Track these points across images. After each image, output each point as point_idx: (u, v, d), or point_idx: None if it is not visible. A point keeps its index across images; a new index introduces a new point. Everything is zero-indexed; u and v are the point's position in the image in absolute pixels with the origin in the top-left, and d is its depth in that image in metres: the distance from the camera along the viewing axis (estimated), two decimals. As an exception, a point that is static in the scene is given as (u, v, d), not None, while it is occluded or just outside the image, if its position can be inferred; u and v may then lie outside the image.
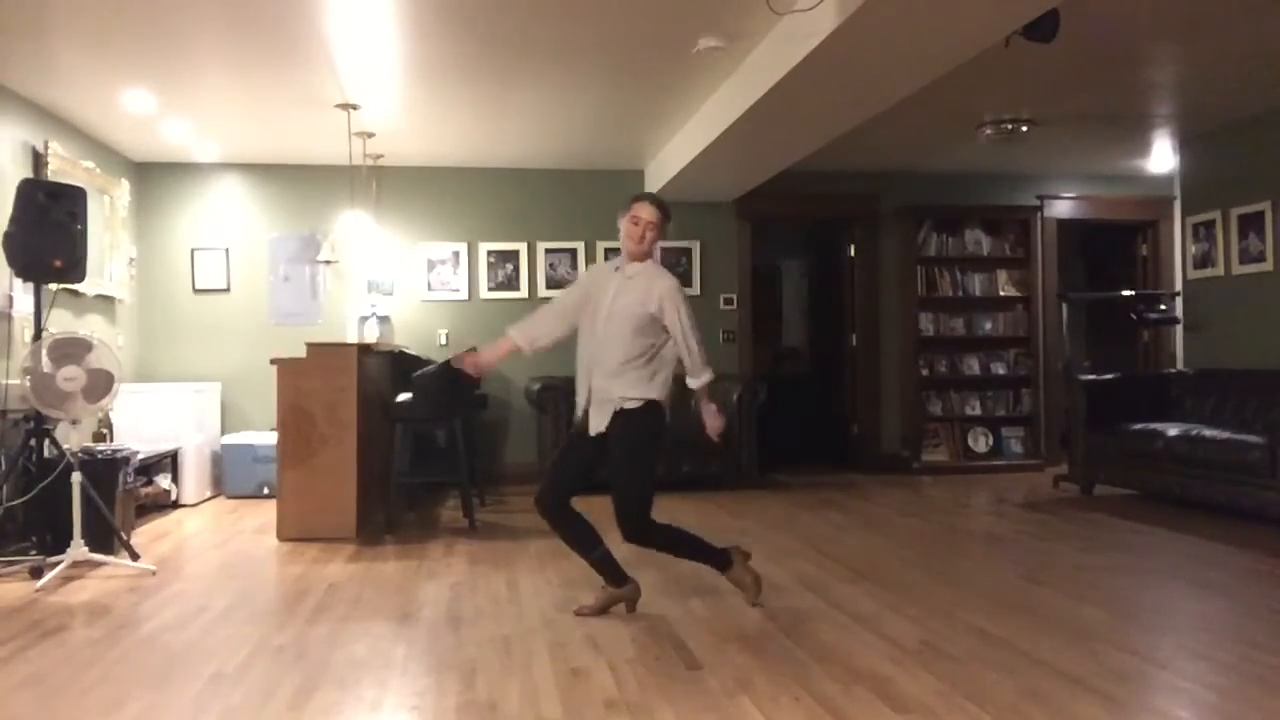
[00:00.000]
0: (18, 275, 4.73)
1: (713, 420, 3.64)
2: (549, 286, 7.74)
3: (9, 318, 5.25)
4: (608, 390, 3.53)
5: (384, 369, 6.16)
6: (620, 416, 3.51)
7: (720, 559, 3.72)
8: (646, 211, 3.60)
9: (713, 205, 7.64)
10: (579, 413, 3.65)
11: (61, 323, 5.60)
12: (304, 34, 4.61)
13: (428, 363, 6.14)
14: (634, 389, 3.52)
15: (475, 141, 6.86)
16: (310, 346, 5.43)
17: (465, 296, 7.66)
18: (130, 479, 5.16)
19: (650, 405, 3.53)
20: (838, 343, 8.68)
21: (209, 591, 4.13)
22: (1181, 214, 7.42)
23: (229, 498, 6.74)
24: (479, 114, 6.13)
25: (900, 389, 8.14)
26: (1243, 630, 3.42)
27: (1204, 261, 7.00)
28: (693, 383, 3.62)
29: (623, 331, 3.53)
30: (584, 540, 3.68)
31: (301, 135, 6.54)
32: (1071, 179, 8.35)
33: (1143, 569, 4.46)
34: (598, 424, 3.54)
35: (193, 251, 7.36)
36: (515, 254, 7.74)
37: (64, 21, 4.46)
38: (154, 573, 4.42)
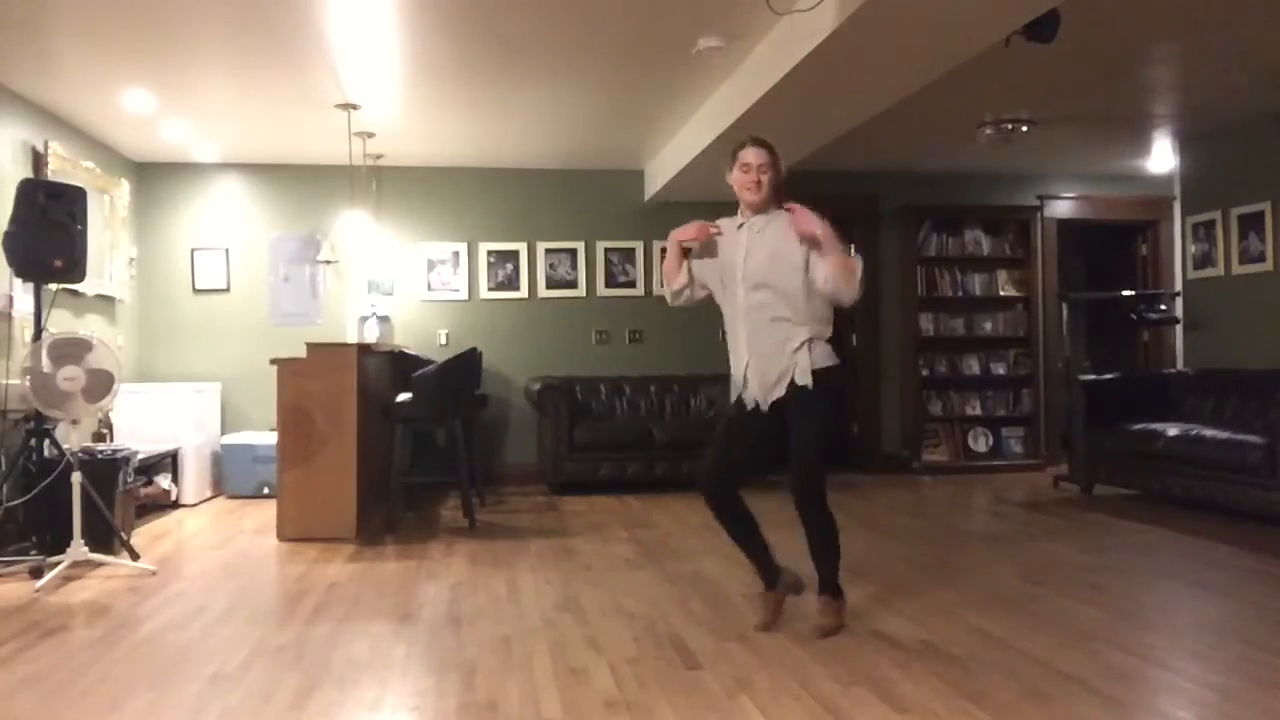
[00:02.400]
0: (18, 275, 4.73)
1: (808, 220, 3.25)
2: (549, 286, 7.74)
3: (9, 318, 5.25)
4: (779, 359, 3.23)
5: (384, 369, 6.16)
6: (802, 386, 3.22)
7: (831, 584, 3.42)
8: (754, 155, 3.28)
9: (713, 205, 7.61)
10: (738, 389, 3.35)
11: (61, 323, 5.60)
12: (304, 34, 4.61)
13: (428, 363, 6.14)
14: (818, 349, 3.27)
15: (475, 141, 6.86)
16: (310, 346, 5.43)
17: (465, 296, 7.66)
18: (130, 479, 5.16)
19: (833, 370, 3.29)
20: (837, 342, 8.66)
21: (209, 591, 4.13)
22: (1181, 214, 7.42)
23: (229, 498, 6.74)
24: (479, 114, 6.13)
25: (900, 389, 8.14)
26: (1243, 630, 3.42)
27: (1204, 261, 7.00)
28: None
29: (781, 289, 3.22)
30: (751, 532, 3.46)
31: (301, 135, 6.54)
32: (1071, 179, 8.35)
33: (1143, 569, 4.46)
34: (766, 396, 3.27)
35: (193, 251, 7.36)
36: (515, 254, 7.74)
37: (64, 21, 4.46)
38: (154, 573, 4.42)
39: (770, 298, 3.23)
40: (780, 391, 3.24)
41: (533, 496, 6.87)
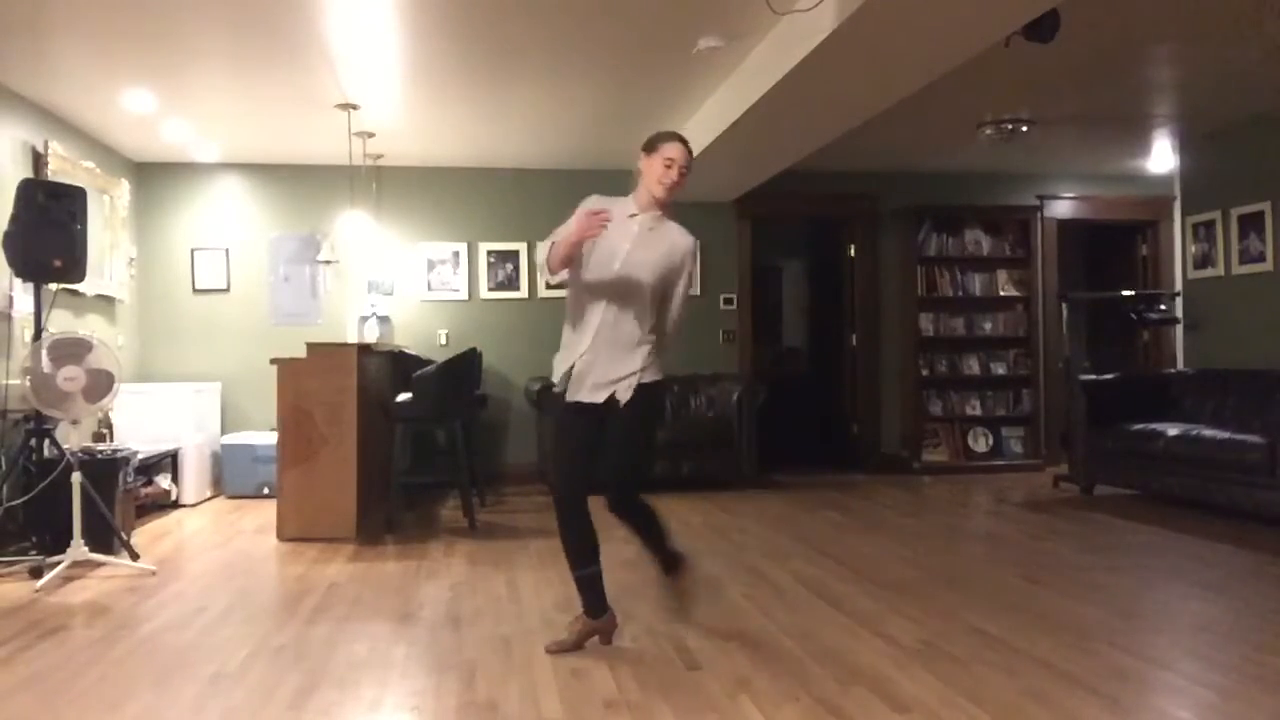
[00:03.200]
0: (18, 275, 4.73)
1: None
2: (549, 287, 7.73)
3: (9, 318, 5.25)
4: (627, 361, 3.10)
5: (384, 369, 6.16)
6: (643, 390, 3.11)
7: (673, 558, 3.34)
8: (680, 153, 3.11)
9: (713, 205, 7.64)
10: (565, 372, 3.16)
11: (61, 323, 5.60)
12: (304, 34, 4.61)
13: (428, 363, 6.13)
14: (655, 362, 3.17)
15: (475, 141, 6.86)
16: (310, 346, 5.43)
17: (465, 296, 7.66)
18: (130, 479, 5.17)
19: (663, 383, 3.22)
20: (838, 343, 8.68)
21: (209, 591, 4.13)
22: (1181, 214, 7.42)
23: (229, 498, 6.74)
24: (479, 114, 6.13)
25: (900, 389, 8.14)
26: (1243, 630, 3.42)
27: (1204, 261, 7.00)
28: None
29: (645, 292, 3.10)
30: (586, 550, 3.22)
31: (301, 135, 6.54)
32: (1071, 179, 8.35)
33: (1143, 569, 4.46)
34: (596, 392, 3.10)
35: (193, 251, 7.36)
36: (515, 254, 7.74)
37: (64, 21, 4.46)
38: (154, 573, 4.42)
39: (636, 298, 3.09)
40: (624, 393, 3.09)
41: (533, 496, 6.87)
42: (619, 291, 3.09)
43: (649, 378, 3.14)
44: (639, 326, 3.11)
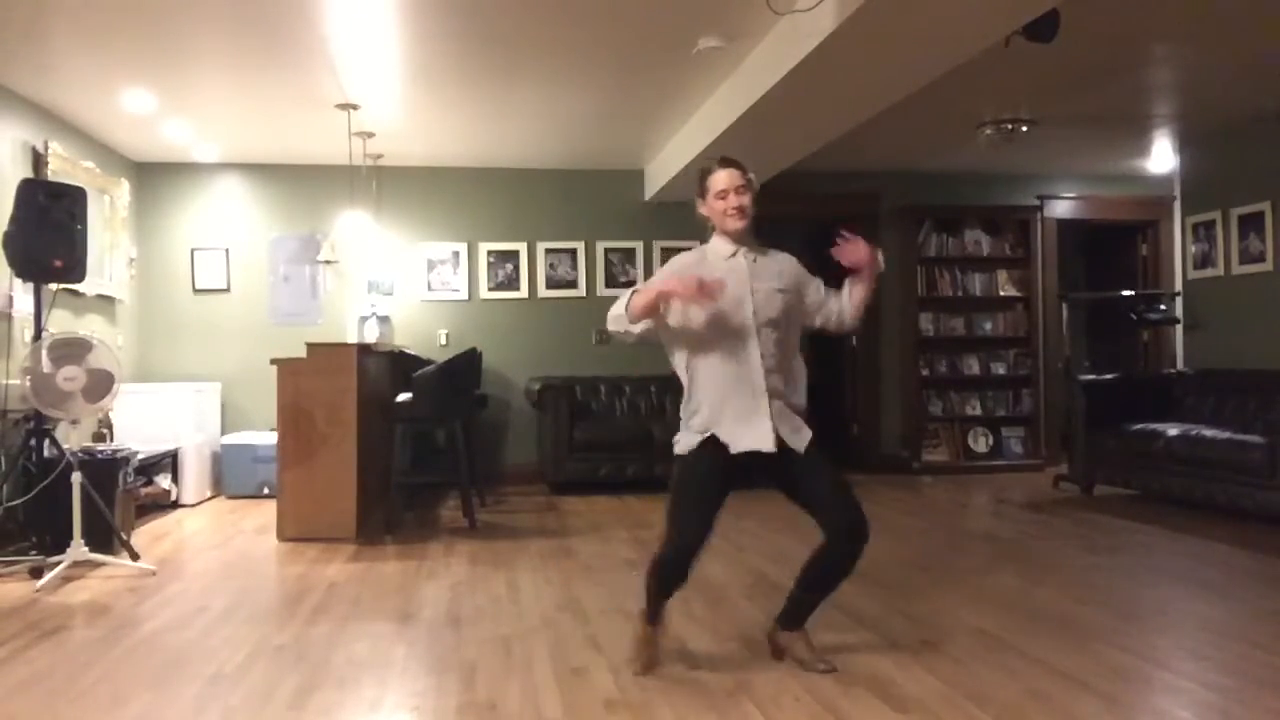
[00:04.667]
0: (18, 275, 4.73)
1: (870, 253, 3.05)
2: (549, 286, 7.74)
3: (9, 318, 5.25)
4: (789, 398, 2.95)
5: (384, 369, 6.16)
6: (804, 427, 2.97)
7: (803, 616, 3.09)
8: (728, 178, 2.93)
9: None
10: (708, 434, 2.89)
11: (61, 323, 5.60)
12: (304, 34, 4.61)
13: (428, 363, 6.14)
14: (804, 392, 3.02)
15: (475, 141, 6.86)
16: (310, 346, 5.43)
17: (465, 296, 7.66)
18: (130, 479, 5.16)
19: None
20: (838, 343, 8.67)
21: (209, 591, 4.13)
22: (1181, 214, 7.42)
23: (229, 498, 6.74)
24: (479, 114, 6.13)
25: (900, 389, 8.14)
26: (1243, 630, 3.42)
27: (1204, 261, 7.00)
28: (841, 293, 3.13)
29: (788, 327, 2.97)
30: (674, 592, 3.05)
31: (301, 135, 6.54)
32: (1071, 179, 8.35)
33: (1143, 569, 4.46)
34: (767, 440, 2.87)
35: (193, 251, 7.36)
36: (515, 254, 7.74)
37: (64, 21, 4.46)
38: (154, 573, 4.42)
39: (779, 338, 2.92)
40: (800, 445, 2.93)
41: (533, 496, 6.87)
42: (768, 342, 2.90)
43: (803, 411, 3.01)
44: (792, 357, 2.99)
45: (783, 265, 3.03)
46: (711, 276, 2.82)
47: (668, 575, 2.96)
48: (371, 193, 7.32)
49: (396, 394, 5.79)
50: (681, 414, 3.00)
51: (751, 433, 2.86)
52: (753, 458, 2.87)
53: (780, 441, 2.88)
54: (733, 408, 2.87)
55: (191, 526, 5.80)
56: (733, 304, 2.88)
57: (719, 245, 2.99)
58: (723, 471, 2.90)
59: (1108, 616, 3.60)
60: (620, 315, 2.87)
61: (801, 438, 2.93)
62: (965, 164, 7.72)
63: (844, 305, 3.09)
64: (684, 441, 2.95)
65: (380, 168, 7.36)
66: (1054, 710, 2.63)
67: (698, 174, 3.01)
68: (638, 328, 2.86)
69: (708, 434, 2.89)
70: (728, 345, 2.89)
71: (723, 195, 2.93)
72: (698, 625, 3.49)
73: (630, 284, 7.82)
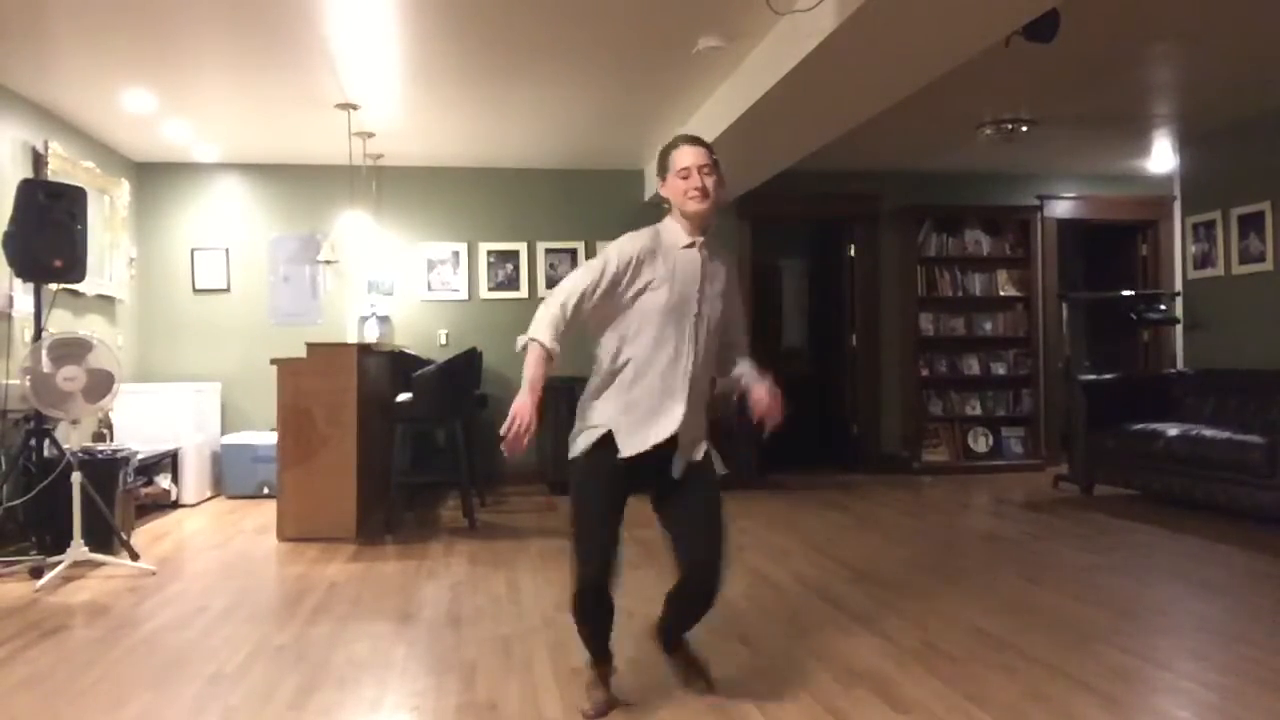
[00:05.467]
0: (18, 275, 4.73)
1: (774, 400, 2.76)
2: (549, 286, 7.73)
3: (9, 318, 5.25)
4: (699, 416, 2.73)
5: (384, 369, 6.16)
6: (709, 450, 2.75)
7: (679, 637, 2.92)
8: (692, 155, 2.64)
9: (713, 205, 7.64)
10: (609, 434, 2.66)
11: (61, 323, 5.60)
12: (304, 34, 4.61)
13: (428, 363, 6.14)
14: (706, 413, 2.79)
15: (475, 141, 6.86)
16: (310, 346, 5.44)
17: (465, 296, 7.66)
18: (130, 479, 5.16)
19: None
20: (838, 343, 8.68)
21: (209, 591, 4.13)
22: (1181, 214, 7.42)
23: (229, 498, 6.74)
24: (479, 114, 6.13)
25: (900, 389, 8.14)
26: (1243, 630, 3.42)
27: (1204, 261, 7.00)
28: (744, 366, 2.85)
29: (717, 334, 2.74)
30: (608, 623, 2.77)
31: (301, 135, 6.54)
32: (1071, 179, 8.35)
33: (1143, 569, 4.46)
34: (687, 457, 2.69)
35: (193, 251, 7.36)
36: (515, 254, 7.74)
37: (64, 21, 4.46)
38: (154, 573, 4.42)
39: (709, 345, 2.70)
40: (698, 455, 2.71)
41: (533, 496, 6.87)
42: (706, 348, 2.68)
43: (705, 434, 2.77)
44: (708, 373, 2.75)
45: (726, 268, 2.77)
46: (671, 267, 2.63)
47: (588, 608, 2.65)
48: (371, 193, 7.32)
49: (396, 394, 5.79)
50: (580, 407, 2.78)
51: (651, 430, 2.61)
52: (639, 461, 2.60)
53: (673, 442, 2.63)
54: (643, 407, 2.63)
55: (191, 526, 5.81)
56: (678, 301, 2.63)
57: (675, 231, 2.69)
58: (621, 476, 2.63)
59: (1108, 616, 3.60)
60: (522, 340, 2.79)
61: (698, 449, 2.70)
62: (965, 164, 7.72)
63: (739, 372, 2.84)
64: (580, 441, 2.69)
65: (380, 168, 7.36)
66: (1054, 710, 2.63)
67: (660, 150, 2.73)
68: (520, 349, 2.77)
69: (604, 431, 2.64)
70: (660, 343, 2.63)
71: (685, 174, 2.63)
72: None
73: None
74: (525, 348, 2.73)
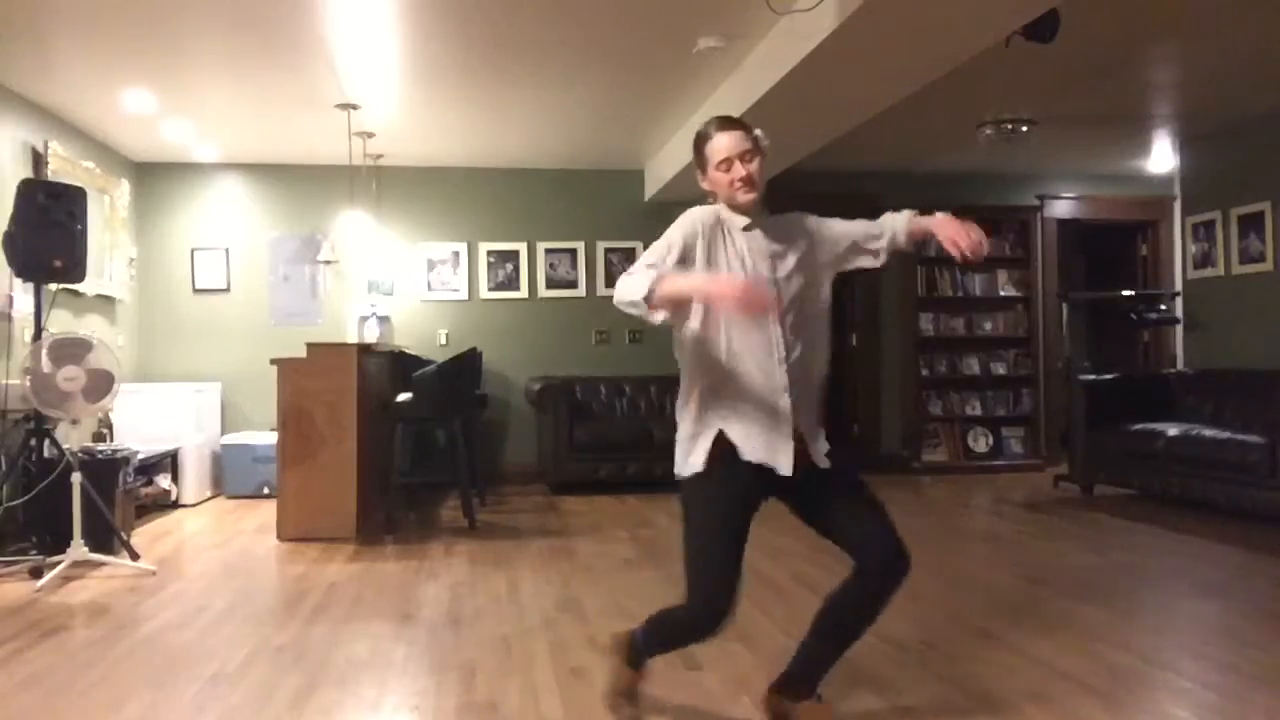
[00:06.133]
0: (18, 275, 4.73)
1: (962, 226, 2.58)
2: (549, 286, 7.74)
3: (9, 318, 5.25)
4: (816, 406, 2.42)
5: (384, 369, 6.16)
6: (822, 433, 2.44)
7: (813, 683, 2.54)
8: (729, 142, 2.36)
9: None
10: (727, 445, 2.33)
11: (61, 323, 5.60)
12: (304, 34, 4.61)
13: (428, 363, 6.14)
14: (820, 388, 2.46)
15: (475, 141, 6.87)
16: (310, 346, 5.44)
17: (465, 296, 7.66)
18: (130, 479, 5.17)
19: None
20: (838, 343, 8.64)
21: (209, 591, 4.13)
22: (1181, 214, 7.42)
23: (229, 498, 6.74)
24: (479, 114, 6.13)
25: (900, 389, 8.14)
26: (1243, 630, 3.42)
27: (1204, 261, 7.00)
28: (894, 219, 2.73)
29: (811, 313, 2.43)
30: None
31: (301, 135, 6.54)
32: (1071, 179, 8.35)
33: (1143, 569, 4.46)
34: (786, 458, 2.33)
35: (193, 251, 7.36)
36: (515, 254, 7.74)
37: (64, 21, 4.46)
38: (154, 573, 4.42)
39: (796, 324, 2.38)
40: (822, 458, 2.40)
41: (533, 496, 6.87)
42: (793, 335, 2.36)
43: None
44: (822, 362, 2.44)
45: (795, 231, 2.49)
46: (730, 251, 2.36)
47: (686, 638, 2.50)
48: (371, 193, 7.32)
49: (396, 394, 5.79)
50: (679, 417, 2.45)
51: (769, 445, 2.32)
52: (766, 472, 2.33)
53: (805, 455, 2.35)
54: (748, 409, 2.33)
55: (191, 526, 5.80)
56: (758, 284, 2.29)
57: (731, 215, 2.42)
58: (744, 487, 2.35)
59: (1108, 616, 3.60)
60: (637, 301, 2.19)
61: (822, 446, 2.41)
62: (965, 164, 7.72)
63: (898, 226, 2.65)
64: (693, 455, 2.37)
65: (380, 168, 7.36)
66: (1054, 710, 2.63)
67: (694, 140, 2.45)
68: (657, 317, 2.22)
69: (716, 433, 2.34)
70: (744, 335, 2.33)
71: (726, 165, 2.36)
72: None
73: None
74: (650, 309, 2.19)
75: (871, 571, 2.35)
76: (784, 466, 2.31)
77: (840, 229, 2.60)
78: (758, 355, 2.32)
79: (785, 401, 2.32)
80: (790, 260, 2.43)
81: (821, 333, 2.44)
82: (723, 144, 2.37)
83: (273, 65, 5.09)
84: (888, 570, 2.33)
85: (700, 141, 2.43)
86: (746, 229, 2.41)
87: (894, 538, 2.34)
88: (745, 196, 2.38)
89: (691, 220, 2.38)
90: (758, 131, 2.43)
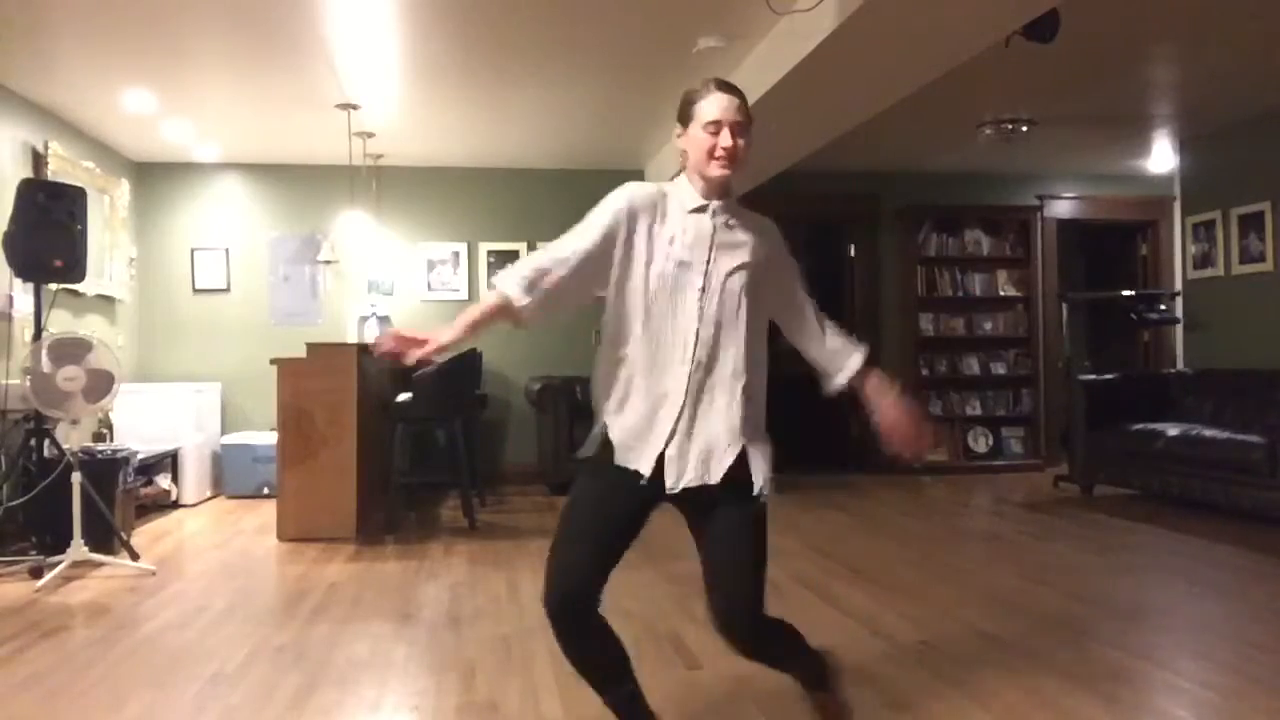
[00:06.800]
0: (18, 275, 4.74)
1: (912, 420, 2.41)
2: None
3: (9, 318, 5.25)
4: (727, 418, 2.12)
5: (384, 369, 6.16)
6: (751, 464, 2.14)
7: (820, 670, 2.38)
8: (726, 106, 2.11)
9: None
10: (609, 437, 2.15)
11: (61, 323, 5.60)
12: (304, 34, 4.61)
13: (428, 363, 6.13)
14: (762, 418, 2.21)
15: (475, 141, 6.87)
16: (310, 346, 5.44)
17: (465, 296, 7.66)
18: (130, 479, 5.17)
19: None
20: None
21: (209, 591, 4.13)
22: (1181, 214, 7.42)
23: (229, 498, 6.74)
24: (479, 114, 6.13)
25: (900, 389, 8.12)
26: (1243, 630, 3.42)
27: (1204, 261, 7.00)
28: (855, 363, 2.40)
29: (747, 318, 2.15)
30: (615, 665, 2.31)
31: (301, 135, 6.54)
32: (1071, 179, 8.35)
33: (1143, 569, 4.46)
34: (696, 473, 2.10)
35: (193, 251, 7.36)
36: (515, 254, 7.73)
37: (64, 21, 4.46)
38: (154, 573, 4.42)
39: (743, 324, 2.14)
40: (716, 475, 2.11)
41: (533, 496, 6.87)
42: (708, 334, 2.11)
43: (762, 447, 2.18)
44: (746, 361, 2.15)
45: (756, 239, 2.22)
46: (658, 233, 2.16)
47: (559, 640, 2.24)
48: (371, 193, 7.32)
49: (396, 394, 5.79)
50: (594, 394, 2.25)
51: (636, 449, 2.12)
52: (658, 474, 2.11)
53: (662, 470, 2.09)
54: (636, 406, 2.13)
55: (191, 526, 5.80)
56: (676, 270, 2.12)
57: (686, 191, 2.19)
58: (625, 487, 2.12)
59: (1108, 616, 3.60)
60: (519, 282, 2.28)
61: (717, 466, 2.11)
62: (965, 164, 7.71)
63: (844, 368, 2.39)
64: (590, 441, 2.22)
65: (380, 168, 7.36)
66: (1054, 710, 2.63)
67: (683, 95, 2.21)
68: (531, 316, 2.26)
69: (604, 426, 2.17)
70: (657, 324, 2.12)
71: (714, 128, 2.10)
72: (697, 625, 3.49)
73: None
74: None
75: (714, 621, 2.18)
76: (645, 469, 2.09)
77: (798, 300, 2.32)
78: (661, 355, 2.12)
79: (669, 408, 2.10)
80: (738, 257, 2.16)
81: (755, 346, 2.18)
82: (719, 104, 2.11)
83: (273, 65, 5.09)
84: (721, 631, 2.17)
85: (691, 95, 2.18)
86: (697, 210, 2.16)
87: (738, 609, 2.14)
88: (720, 171, 2.12)
89: (628, 197, 2.19)
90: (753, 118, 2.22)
